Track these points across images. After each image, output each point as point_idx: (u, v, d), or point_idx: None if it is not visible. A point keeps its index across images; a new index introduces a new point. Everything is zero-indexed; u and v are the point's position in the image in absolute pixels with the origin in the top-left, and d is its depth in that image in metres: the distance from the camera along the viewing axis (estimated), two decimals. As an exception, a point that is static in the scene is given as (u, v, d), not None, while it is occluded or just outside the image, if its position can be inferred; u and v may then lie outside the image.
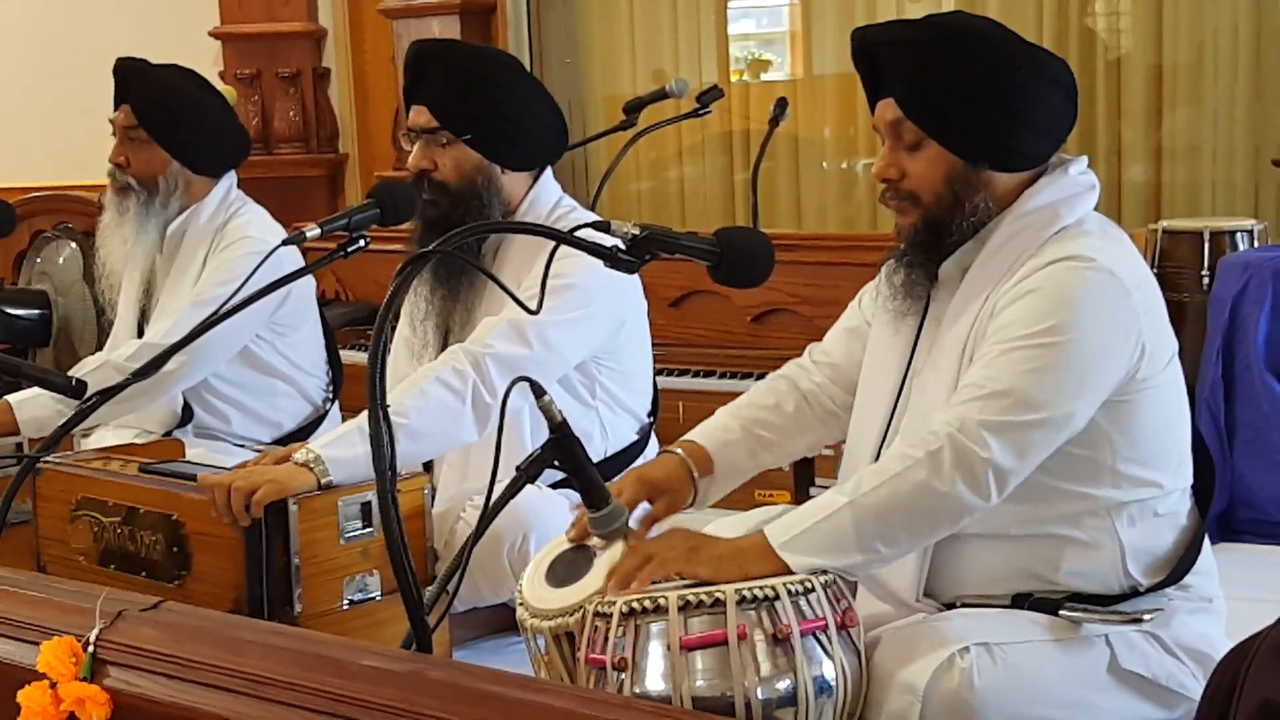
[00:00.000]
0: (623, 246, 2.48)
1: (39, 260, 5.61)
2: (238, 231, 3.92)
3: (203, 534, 2.98)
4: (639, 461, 3.51)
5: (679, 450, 2.75)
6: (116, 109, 3.99)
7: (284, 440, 3.97)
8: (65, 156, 6.85)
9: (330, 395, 4.13)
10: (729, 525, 2.63)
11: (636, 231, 2.47)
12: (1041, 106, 2.49)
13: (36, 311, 5.37)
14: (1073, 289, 2.40)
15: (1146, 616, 2.45)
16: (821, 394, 2.82)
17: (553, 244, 2.50)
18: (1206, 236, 4.35)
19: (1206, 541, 2.58)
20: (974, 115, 2.48)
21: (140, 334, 3.98)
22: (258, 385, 3.99)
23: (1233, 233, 4.39)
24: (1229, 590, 2.66)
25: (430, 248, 2.52)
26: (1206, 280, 4.31)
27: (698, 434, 2.79)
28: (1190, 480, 2.58)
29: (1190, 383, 3.86)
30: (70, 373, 3.68)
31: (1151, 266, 4.31)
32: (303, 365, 4.05)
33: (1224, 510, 4.12)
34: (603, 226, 2.50)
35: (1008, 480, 2.36)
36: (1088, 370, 2.38)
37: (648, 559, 2.36)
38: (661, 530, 2.55)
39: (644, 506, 2.65)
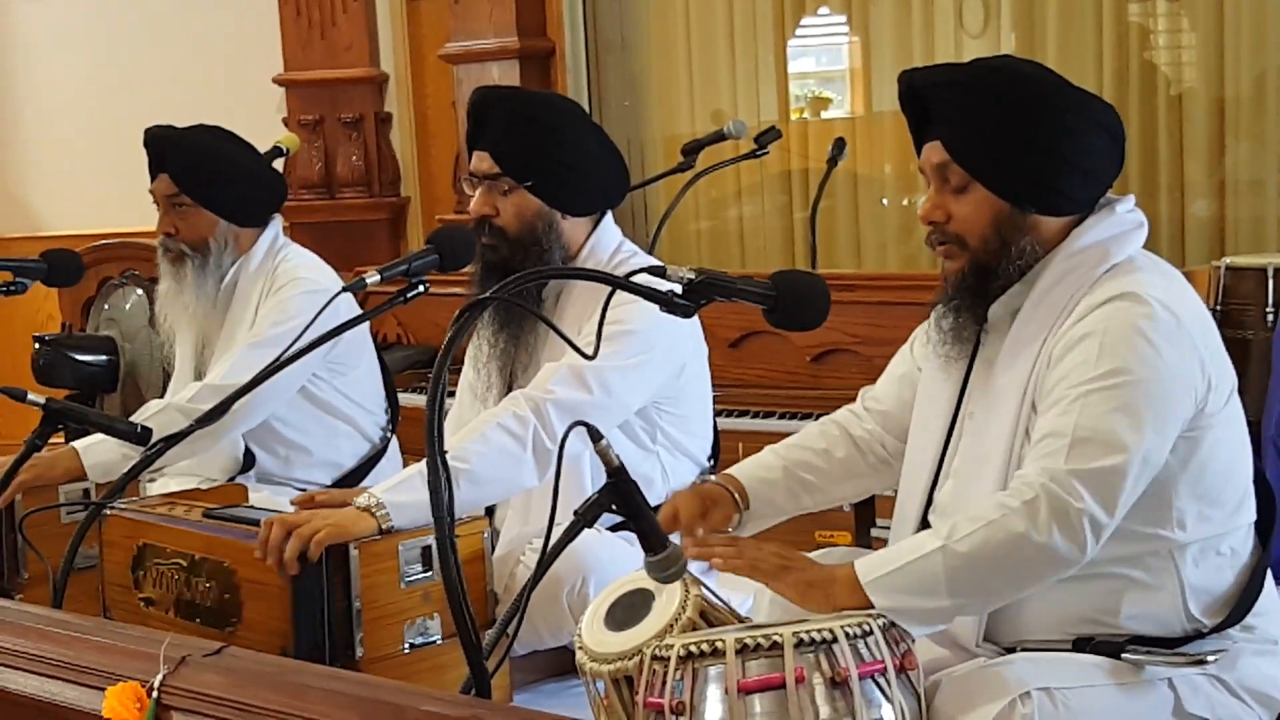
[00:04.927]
0: (678, 291, 2.49)
1: (106, 307, 5.67)
2: (289, 274, 3.97)
3: (253, 581, 3.00)
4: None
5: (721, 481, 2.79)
6: (154, 179, 4.01)
7: (344, 480, 4.01)
8: (132, 203, 6.91)
9: (388, 432, 4.16)
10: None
11: (692, 276, 2.48)
12: (1088, 151, 2.50)
13: (104, 357, 5.41)
14: (1132, 327, 2.39)
15: (1210, 658, 2.43)
16: (874, 441, 2.82)
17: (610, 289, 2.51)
18: (1270, 273, 4.29)
19: (1270, 583, 2.55)
20: (1021, 159, 2.48)
21: (198, 379, 4.01)
22: (318, 424, 4.02)
23: (1296, 269, 4.33)
24: (1296, 631, 2.62)
25: (487, 294, 2.54)
26: (1271, 317, 4.25)
27: (739, 469, 2.82)
28: (1253, 517, 2.56)
29: (1255, 420, 3.82)
30: (133, 417, 3.72)
31: (1215, 304, 4.29)
32: (361, 402, 4.08)
33: (1290, 549, 4.06)
34: (659, 272, 2.50)
35: (1103, 529, 2.33)
36: (1160, 405, 2.37)
37: (741, 558, 2.46)
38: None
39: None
